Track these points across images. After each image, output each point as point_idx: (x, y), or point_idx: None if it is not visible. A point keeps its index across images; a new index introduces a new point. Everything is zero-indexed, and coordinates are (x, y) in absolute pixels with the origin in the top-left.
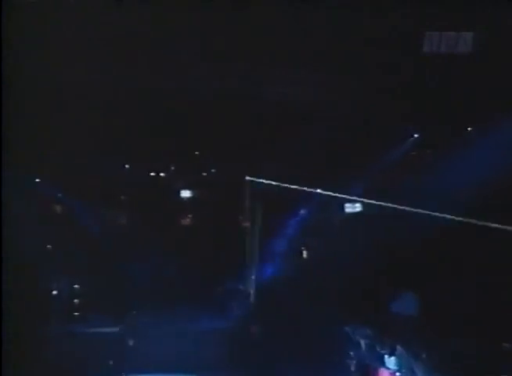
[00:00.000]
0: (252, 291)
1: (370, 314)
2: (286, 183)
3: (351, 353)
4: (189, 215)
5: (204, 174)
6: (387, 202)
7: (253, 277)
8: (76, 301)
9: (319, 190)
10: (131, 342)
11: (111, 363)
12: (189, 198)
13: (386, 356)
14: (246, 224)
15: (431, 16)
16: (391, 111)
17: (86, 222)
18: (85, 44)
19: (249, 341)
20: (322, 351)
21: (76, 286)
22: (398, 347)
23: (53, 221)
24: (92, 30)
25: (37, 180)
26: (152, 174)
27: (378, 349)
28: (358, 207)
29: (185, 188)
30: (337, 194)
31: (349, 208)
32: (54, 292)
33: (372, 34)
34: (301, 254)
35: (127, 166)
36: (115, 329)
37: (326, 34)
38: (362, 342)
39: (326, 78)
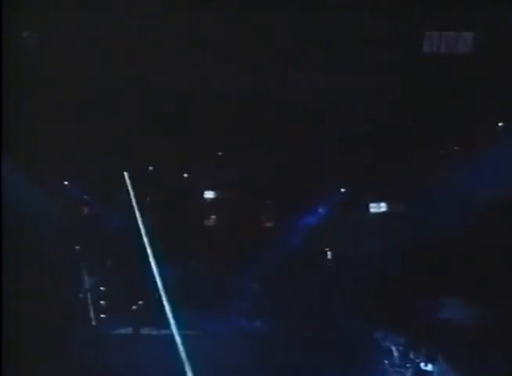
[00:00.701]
0: (276, 293)
1: (405, 320)
2: (309, 183)
3: (386, 361)
4: (213, 216)
5: (227, 175)
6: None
7: (276, 278)
8: (102, 302)
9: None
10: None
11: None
12: (212, 199)
13: (422, 364)
14: (269, 224)
15: (431, 16)
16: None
17: (111, 223)
18: (85, 44)
19: (273, 344)
20: (353, 359)
21: (102, 288)
22: (440, 356)
23: (80, 222)
24: (92, 30)
25: (65, 183)
26: (176, 175)
27: (412, 357)
28: (383, 207)
29: (208, 189)
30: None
31: (374, 208)
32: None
33: (372, 34)
34: (326, 254)
35: (150, 168)
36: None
37: (326, 34)
38: (394, 349)
39: (326, 78)
